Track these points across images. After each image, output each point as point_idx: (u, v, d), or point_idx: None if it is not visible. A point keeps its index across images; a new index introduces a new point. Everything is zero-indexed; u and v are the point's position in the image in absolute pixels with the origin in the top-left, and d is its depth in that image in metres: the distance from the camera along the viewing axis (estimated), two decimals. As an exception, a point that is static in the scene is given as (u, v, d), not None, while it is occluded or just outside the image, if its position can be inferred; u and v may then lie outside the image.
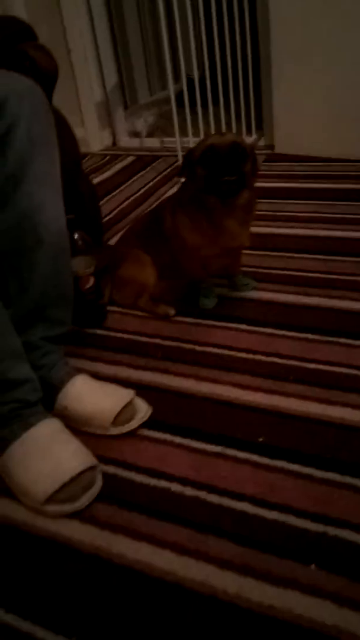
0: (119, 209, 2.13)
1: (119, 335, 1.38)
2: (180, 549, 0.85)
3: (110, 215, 2.05)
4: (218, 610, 0.77)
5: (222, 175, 1.21)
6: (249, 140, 2.50)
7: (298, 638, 0.73)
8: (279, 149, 2.46)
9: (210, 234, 1.30)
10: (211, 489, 0.94)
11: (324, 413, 1.07)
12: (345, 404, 1.08)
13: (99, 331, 1.40)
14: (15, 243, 1.04)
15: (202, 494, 0.93)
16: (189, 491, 0.94)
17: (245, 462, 0.99)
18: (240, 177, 1.22)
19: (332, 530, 0.85)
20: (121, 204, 2.17)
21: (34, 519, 0.93)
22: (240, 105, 2.51)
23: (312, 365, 1.19)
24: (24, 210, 1.02)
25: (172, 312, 1.42)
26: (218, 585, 0.80)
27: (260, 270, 1.56)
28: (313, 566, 0.80)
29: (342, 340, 1.25)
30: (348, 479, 0.93)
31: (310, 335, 1.28)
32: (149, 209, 1.79)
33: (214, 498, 0.93)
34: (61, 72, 1.49)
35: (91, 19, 2.73)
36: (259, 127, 2.62)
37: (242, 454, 1.00)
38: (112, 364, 1.28)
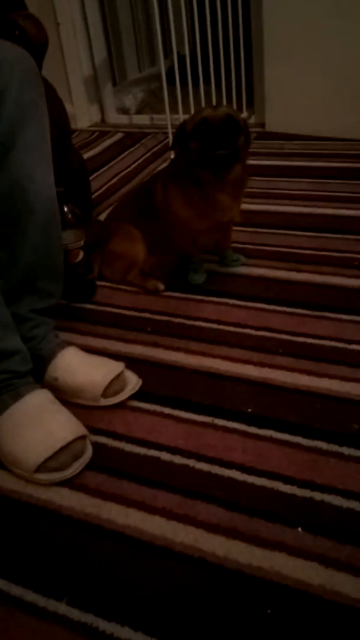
0: (108, 184, 2.12)
1: (109, 309, 1.38)
2: (170, 514, 0.86)
3: (100, 191, 2.04)
4: (207, 572, 0.78)
5: (215, 149, 1.20)
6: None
7: (285, 597, 0.74)
8: (270, 127, 2.45)
9: (202, 208, 1.30)
10: (200, 458, 0.95)
11: (311, 384, 1.08)
12: (332, 376, 1.09)
13: (88, 305, 1.40)
14: (5, 212, 1.03)
15: (191, 462, 0.95)
16: (178, 459, 0.96)
17: (234, 431, 1.00)
18: (233, 151, 1.22)
19: (318, 496, 0.87)
20: (110, 179, 2.16)
21: (24, 487, 0.94)
22: (232, 82, 2.49)
23: (301, 339, 1.20)
24: (14, 179, 1.02)
25: (161, 287, 1.42)
26: (207, 548, 0.81)
27: (250, 246, 1.57)
28: (300, 529, 0.82)
29: (331, 315, 1.26)
30: (334, 447, 0.94)
31: (299, 310, 1.29)
32: (138, 183, 1.78)
33: (203, 466, 0.94)
34: (49, 46, 1.47)
35: (80, -8, 2.68)
36: (250, 105, 2.60)
37: (231, 424, 1.01)
38: (102, 337, 1.28)
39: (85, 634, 0.73)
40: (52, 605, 0.76)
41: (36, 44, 1.38)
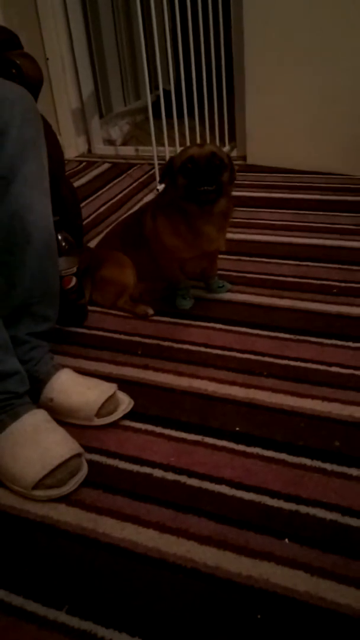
0: (96, 213, 2.18)
1: (100, 333, 1.44)
2: (163, 528, 0.91)
3: (89, 219, 2.10)
4: (199, 581, 0.83)
5: (200, 185, 1.28)
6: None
7: (274, 604, 0.79)
8: (252, 160, 2.56)
9: (189, 238, 1.37)
10: (191, 474, 1.00)
11: (295, 404, 1.14)
12: (314, 396, 1.15)
13: (80, 330, 1.45)
14: (5, 241, 1.09)
15: (183, 478, 0.99)
16: (170, 476, 1.00)
17: (223, 449, 1.05)
18: (218, 187, 1.29)
19: (303, 509, 0.92)
20: (98, 208, 2.23)
21: (22, 503, 0.97)
22: (215, 116, 2.60)
23: (284, 362, 1.27)
24: (14, 210, 1.08)
25: (151, 312, 1.48)
26: (199, 558, 0.86)
27: (235, 273, 1.64)
28: (286, 540, 0.87)
29: (312, 339, 1.33)
30: (317, 463, 1.00)
31: (282, 334, 1.36)
32: (129, 213, 1.85)
33: (194, 482, 0.99)
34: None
35: (69, 29, 2.79)
36: (232, 139, 2.71)
37: (219, 442, 1.07)
38: (94, 360, 1.33)
39: (84, 641, 0.76)
40: (53, 614, 0.80)
41: (32, 81, 1.45)
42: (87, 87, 2.94)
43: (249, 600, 0.80)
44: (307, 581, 0.81)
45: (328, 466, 0.99)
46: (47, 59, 2.77)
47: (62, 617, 0.79)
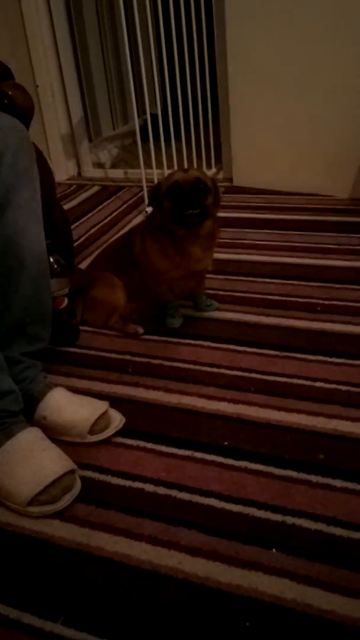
0: (87, 235, 2.23)
1: (92, 352, 1.47)
2: (154, 541, 0.94)
3: (79, 241, 2.15)
4: (190, 591, 0.86)
5: (186, 209, 1.33)
6: (209, 174, 2.66)
7: (262, 611, 0.82)
8: (237, 182, 2.63)
9: (177, 258, 1.42)
10: (181, 488, 1.03)
11: (281, 419, 1.18)
12: (300, 411, 1.19)
13: (72, 349, 1.49)
14: (-1, 265, 1.13)
15: (174, 492, 1.03)
16: (161, 490, 1.03)
17: (212, 463, 1.09)
18: (202, 210, 1.35)
19: (289, 519, 0.95)
20: (89, 230, 2.28)
21: (18, 520, 1.00)
22: (201, 140, 2.68)
23: (271, 378, 1.31)
24: (9, 235, 1.12)
25: (141, 330, 1.52)
26: (189, 569, 0.89)
27: (222, 292, 1.69)
28: (274, 550, 0.91)
29: (297, 355, 1.38)
30: (303, 476, 1.04)
31: (268, 351, 1.40)
32: (118, 235, 1.90)
33: (184, 495, 1.02)
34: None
35: (57, 57, 2.87)
36: (219, 161, 2.78)
37: (208, 456, 1.10)
38: (86, 378, 1.36)
39: (80, 651, 0.79)
40: (49, 625, 0.82)
41: (24, 111, 1.50)
42: (77, 112, 3.01)
43: (238, 609, 0.83)
44: (294, 589, 0.85)
45: (313, 478, 1.03)
46: (37, 86, 2.84)
47: (58, 628, 0.82)
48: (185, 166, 2.58)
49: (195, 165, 2.67)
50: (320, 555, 0.89)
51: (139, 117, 2.54)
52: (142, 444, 1.15)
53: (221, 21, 2.39)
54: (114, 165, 3.15)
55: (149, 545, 0.93)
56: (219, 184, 2.44)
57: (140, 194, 2.58)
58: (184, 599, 0.84)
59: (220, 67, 2.53)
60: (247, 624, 0.81)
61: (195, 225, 1.36)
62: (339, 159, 2.31)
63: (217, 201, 1.41)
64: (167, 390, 1.30)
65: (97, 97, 3.36)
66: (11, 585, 0.89)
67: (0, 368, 1.08)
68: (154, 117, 2.52)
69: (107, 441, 1.16)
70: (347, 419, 1.16)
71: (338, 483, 1.01)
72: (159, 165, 2.49)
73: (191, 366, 1.37)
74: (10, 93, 1.47)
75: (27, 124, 1.51)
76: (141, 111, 2.73)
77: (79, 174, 3.09)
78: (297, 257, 1.89)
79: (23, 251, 1.13)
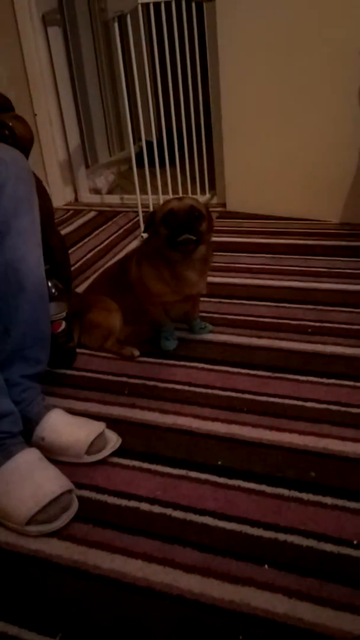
0: (84, 259, 2.28)
1: (88, 374, 1.51)
2: (150, 558, 0.96)
3: (76, 265, 2.20)
4: (185, 607, 0.88)
5: (180, 235, 1.38)
6: (203, 199, 2.73)
7: (255, 625, 0.84)
8: (230, 207, 2.69)
9: (172, 283, 1.46)
10: (176, 507, 1.06)
11: (273, 438, 1.21)
12: (292, 430, 1.23)
13: (69, 371, 1.52)
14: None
15: (168, 511, 1.05)
16: (156, 509, 1.06)
17: (206, 482, 1.11)
18: (196, 236, 1.39)
19: (281, 536, 0.98)
20: (86, 255, 2.33)
21: (16, 539, 1.02)
22: (195, 166, 2.75)
23: (264, 398, 1.34)
24: (8, 261, 1.16)
25: (137, 353, 1.55)
26: (184, 586, 0.91)
27: (216, 315, 1.73)
28: (266, 566, 0.93)
29: (289, 376, 1.41)
30: (294, 493, 1.07)
31: (261, 372, 1.44)
32: (114, 260, 1.95)
33: (179, 514, 1.04)
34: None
35: (55, 86, 2.96)
36: (212, 187, 2.85)
37: (203, 475, 1.13)
38: (83, 400, 1.39)
39: (77, 666, 0.81)
40: (47, 642, 0.84)
41: (23, 142, 1.56)
42: (74, 139, 3.08)
43: (231, 623, 0.85)
44: (286, 603, 0.87)
45: (304, 496, 1.06)
46: (35, 114, 2.92)
47: (56, 644, 0.84)
48: (180, 193, 2.65)
49: (189, 191, 2.74)
50: (311, 570, 0.92)
51: (134, 144, 2.61)
52: (137, 463, 1.18)
53: (214, 50, 2.48)
54: (110, 191, 3.22)
55: (144, 563, 0.95)
56: (213, 209, 2.51)
57: (136, 219, 2.64)
58: (179, 614, 0.87)
59: (214, 96, 2.61)
60: (241, 637, 0.83)
61: (189, 251, 1.41)
62: (329, 185, 2.38)
63: (211, 227, 1.46)
64: (163, 411, 1.33)
65: (94, 125, 3.45)
66: (10, 602, 0.91)
67: (1, 390, 1.12)
68: (150, 144, 2.60)
69: (103, 461, 1.19)
70: (337, 437, 1.19)
71: (329, 500, 1.04)
72: (154, 191, 2.55)
73: (186, 387, 1.41)
74: (10, 124, 1.53)
75: (26, 154, 1.57)
76: (137, 138, 2.80)
77: (76, 199, 3.16)
78: (289, 280, 1.93)
79: (23, 276, 1.17)
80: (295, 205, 2.49)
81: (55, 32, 2.89)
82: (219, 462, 1.16)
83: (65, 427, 1.20)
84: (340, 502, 1.04)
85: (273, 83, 2.35)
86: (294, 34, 2.23)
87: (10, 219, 1.16)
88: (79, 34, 3.25)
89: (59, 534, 1.02)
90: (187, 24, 2.51)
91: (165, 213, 1.40)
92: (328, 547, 0.95)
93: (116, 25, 2.22)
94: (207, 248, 1.47)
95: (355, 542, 0.96)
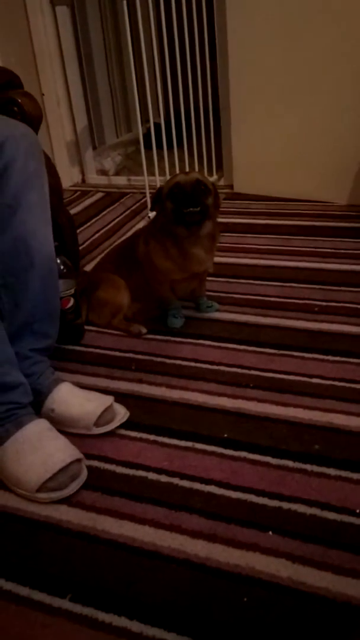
0: (91, 239, 2.29)
1: (96, 350, 1.53)
2: (157, 524, 0.99)
3: (84, 245, 2.21)
4: (191, 570, 0.90)
5: (187, 207, 1.39)
6: (211, 179, 2.73)
7: (259, 588, 0.87)
8: (238, 188, 2.69)
9: (179, 260, 1.48)
10: (183, 476, 1.09)
11: (279, 413, 1.23)
12: (296, 405, 1.25)
13: (77, 347, 1.54)
14: (10, 264, 1.19)
15: (175, 480, 1.08)
16: (163, 478, 1.09)
17: (212, 453, 1.14)
18: (202, 209, 1.40)
19: (285, 505, 1.00)
20: (93, 235, 2.34)
21: (27, 505, 1.05)
22: (203, 148, 2.75)
23: (270, 374, 1.36)
24: (19, 236, 1.18)
25: (144, 330, 1.57)
26: (190, 550, 0.94)
27: (223, 294, 1.74)
28: (270, 533, 0.96)
29: (295, 353, 1.43)
30: (298, 465, 1.09)
31: (267, 350, 1.46)
32: (122, 239, 1.96)
33: (185, 483, 1.07)
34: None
35: (63, 66, 2.95)
36: (220, 168, 2.85)
37: (209, 447, 1.15)
38: (91, 375, 1.42)
39: (87, 624, 0.84)
40: (57, 602, 0.87)
41: (32, 118, 1.57)
42: (81, 120, 3.08)
43: (236, 586, 0.88)
44: (289, 568, 0.90)
45: (308, 467, 1.08)
46: (43, 94, 2.91)
47: (66, 604, 0.87)
48: (187, 173, 2.65)
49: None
50: (314, 537, 0.94)
51: (142, 125, 2.61)
52: (145, 436, 1.20)
53: (223, 31, 2.46)
54: (117, 173, 3.21)
55: (152, 529, 0.98)
56: (221, 191, 2.51)
57: (143, 201, 2.64)
58: (186, 577, 0.89)
59: (222, 77, 2.60)
60: (245, 599, 0.85)
61: (196, 224, 1.42)
62: (337, 167, 2.37)
63: (217, 204, 1.47)
64: (169, 386, 1.35)
65: (102, 106, 3.44)
66: (22, 565, 0.94)
67: (11, 362, 1.14)
68: (157, 125, 2.59)
69: (111, 433, 1.21)
70: (341, 412, 1.21)
71: (332, 471, 1.06)
72: (162, 172, 2.55)
73: (192, 364, 1.43)
74: (19, 101, 1.53)
75: (35, 130, 1.57)
76: (144, 119, 2.80)
77: (83, 180, 3.16)
78: (296, 260, 1.94)
79: (33, 251, 1.19)
80: (302, 187, 2.49)
81: (63, 12, 2.87)
82: (225, 435, 1.18)
83: (75, 399, 1.23)
84: (343, 473, 1.06)
85: (282, 65, 2.33)
86: (303, 16, 2.21)
87: (20, 194, 1.18)
88: (87, 14, 3.23)
89: (68, 501, 1.05)
90: (196, 4, 2.49)
91: (171, 187, 1.41)
92: (331, 515, 0.98)
93: (125, 4, 2.21)
94: (214, 224, 1.48)
95: (357, 510, 0.98)
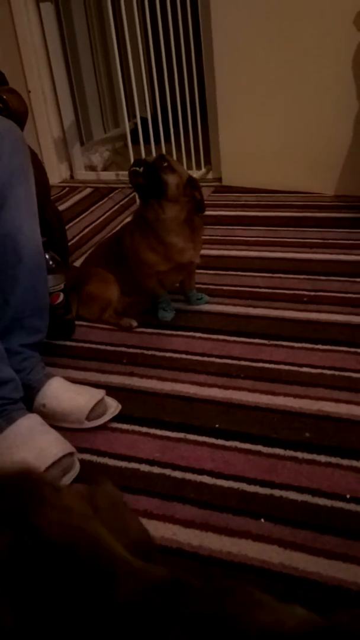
0: (80, 235, 2.29)
1: (87, 345, 1.53)
2: (150, 515, 1.00)
3: (73, 241, 2.20)
4: (184, 558, 0.91)
5: (144, 175, 1.42)
6: (199, 174, 2.73)
7: (251, 575, 0.88)
8: (226, 181, 2.69)
9: (161, 250, 1.48)
10: (175, 467, 1.09)
11: (269, 402, 1.24)
12: (286, 394, 1.26)
13: (68, 343, 1.55)
14: (-2, 260, 1.19)
15: (168, 471, 1.09)
16: (156, 470, 1.09)
17: (204, 444, 1.14)
18: (158, 183, 1.42)
19: (277, 492, 1.01)
20: (82, 230, 2.34)
21: (20, 499, 1.05)
22: (190, 142, 2.74)
23: (259, 364, 1.37)
24: (6, 232, 1.18)
25: (134, 324, 1.58)
26: (183, 539, 0.95)
27: (212, 286, 1.75)
28: (262, 520, 0.97)
29: (284, 343, 1.44)
30: (289, 453, 1.10)
31: (257, 340, 1.46)
32: (110, 233, 1.96)
33: (177, 474, 1.08)
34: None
35: (49, 63, 2.93)
36: (208, 162, 2.85)
37: (200, 438, 1.16)
38: (82, 370, 1.42)
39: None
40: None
41: (18, 115, 1.56)
42: (68, 116, 3.07)
43: (229, 573, 0.88)
44: (281, 554, 0.91)
45: (299, 454, 1.09)
46: (29, 91, 2.90)
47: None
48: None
49: (185, 166, 2.74)
50: (305, 523, 0.95)
51: (129, 120, 2.60)
52: (137, 428, 1.21)
53: (207, 25, 2.46)
54: (105, 168, 3.21)
55: (145, 519, 0.98)
56: (209, 184, 2.52)
57: (131, 195, 2.64)
58: (178, 565, 0.90)
59: (208, 70, 2.60)
60: (238, 586, 0.86)
61: (154, 195, 1.43)
62: (324, 158, 2.38)
63: (195, 197, 1.46)
64: (161, 378, 1.35)
65: (88, 101, 3.43)
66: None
67: (1, 357, 1.14)
68: (144, 120, 2.59)
69: (103, 426, 1.22)
70: (331, 400, 1.22)
71: (322, 458, 1.07)
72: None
73: (183, 356, 1.43)
74: (5, 97, 1.53)
75: (21, 127, 1.57)
76: (131, 115, 2.79)
77: (72, 176, 3.15)
78: (284, 251, 1.95)
79: (20, 246, 1.19)
80: (290, 178, 2.49)
81: (47, 8, 2.86)
82: (216, 425, 1.19)
83: (66, 393, 1.23)
84: (334, 460, 1.07)
85: (267, 57, 2.33)
86: (286, 8, 2.21)
87: (6, 189, 1.18)
88: (72, 10, 3.21)
89: (61, 495, 1.05)
90: (180, -3, 2.49)
91: (133, 162, 1.45)
92: (322, 501, 0.99)
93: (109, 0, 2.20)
94: (188, 213, 1.47)
95: (348, 496, 0.99)
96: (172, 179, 1.43)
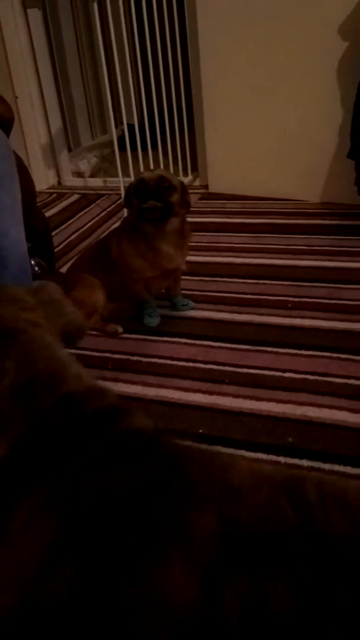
0: (67, 241, 2.30)
1: (72, 351, 1.53)
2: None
3: (60, 247, 2.21)
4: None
5: (147, 202, 1.42)
6: (185, 181, 2.75)
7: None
8: (213, 188, 2.72)
9: (149, 256, 1.50)
10: (159, 472, 1.10)
11: (253, 407, 1.25)
12: (270, 399, 1.27)
13: (53, 348, 1.54)
14: (-17, 266, 1.19)
15: (151, 476, 1.09)
16: (140, 474, 1.10)
17: (188, 449, 1.15)
18: (166, 205, 1.43)
19: (260, 496, 1.02)
20: (69, 236, 2.34)
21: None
22: (177, 149, 2.76)
23: (244, 370, 1.38)
24: (-9, 237, 1.18)
25: (120, 330, 1.58)
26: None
27: (198, 292, 1.76)
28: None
29: (268, 349, 1.45)
30: (272, 457, 1.11)
31: (241, 346, 1.48)
32: (97, 240, 1.96)
33: (161, 478, 1.08)
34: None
35: (36, 69, 2.94)
36: (195, 169, 2.87)
37: (184, 443, 1.16)
38: (68, 375, 1.42)
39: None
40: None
41: (4, 121, 1.57)
42: (56, 123, 3.08)
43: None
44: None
45: (282, 459, 1.10)
46: (17, 97, 2.90)
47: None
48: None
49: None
50: (287, 527, 0.96)
51: (116, 127, 2.62)
52: (121, 433, 1.21)
53: (194, 32, 2.48)
54: (93, 174, 3.22)
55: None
56: (196, 191, 2.53)
57: (118, 202, 2.65)
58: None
59: (195, 78, 2.62)
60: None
61: (157, 220, 1.44)
62: (310, 166, 2.41)
63: (186, 201, 1.49)
64: (146, 384, 1.36)
65: (76, 108, 3.44)
66: None
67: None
68: (131, 127, 2.60)
69: (88, 432, 1.21)
70: (314, 405, 1.24)
71: (305, 462, 1.09)
72: (137, 174, 2.56)
73: (168, 361, 1.44)
74: (-10, 104, 1.53)
75: (7, 133, 1.57)
76: (119, 122, 2.81)
77: (59, 183, 3.16)
78: (270, 258, 1.97)
79: (5, 252, 1.19)
80: (275, 185, 2.52)
81: (35, 14, 2.87)
82: (200, 430, 1.20)
83: (50, 399, 1.23)
84: (316, 464, 1.08)
85: (253, 65, 2.36)
86: (272, 16, 2.24)
87: (-9, 195, 1.18)
88: (59, 16, 3.23)
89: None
90: (167, 5, 2.51)
91: (136, 183, 1.44)
92: (304, 505, 0.99)
93: (95, 6, 2.22)
94: (182, 222, 1.50)
95: (329, 499, 1.00)
96: (175, 197, 1.45)
